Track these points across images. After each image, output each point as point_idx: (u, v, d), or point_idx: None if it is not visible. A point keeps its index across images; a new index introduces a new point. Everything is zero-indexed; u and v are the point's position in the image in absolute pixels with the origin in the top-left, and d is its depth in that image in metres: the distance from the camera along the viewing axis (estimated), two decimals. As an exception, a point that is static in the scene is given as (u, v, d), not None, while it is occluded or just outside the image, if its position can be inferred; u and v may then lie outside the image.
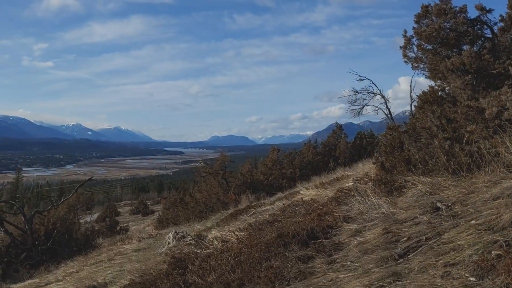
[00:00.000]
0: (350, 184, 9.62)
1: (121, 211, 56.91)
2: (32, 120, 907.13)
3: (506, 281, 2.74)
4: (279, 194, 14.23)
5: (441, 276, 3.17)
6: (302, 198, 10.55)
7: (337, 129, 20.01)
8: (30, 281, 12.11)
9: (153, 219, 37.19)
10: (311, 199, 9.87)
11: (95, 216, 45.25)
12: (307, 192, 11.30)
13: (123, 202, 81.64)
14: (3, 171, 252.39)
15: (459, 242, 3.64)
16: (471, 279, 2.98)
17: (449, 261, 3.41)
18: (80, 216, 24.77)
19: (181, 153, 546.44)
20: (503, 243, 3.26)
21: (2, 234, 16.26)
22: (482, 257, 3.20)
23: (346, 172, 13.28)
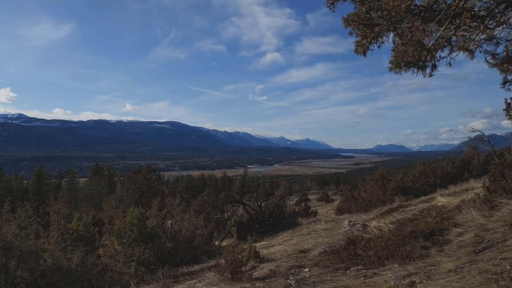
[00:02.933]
0: (471, 196, 9.71)
1: (310, 198, 59.15)
2: (253, 134, 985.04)
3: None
4: (422, 198, 13.95)
5: (494, 265, 4.13)
6: (436, 204, 10.63)
7: (472, 149, 18.91)
8: (262, 242, 12.98)
9: (333, 206, 38.31)
10: (442, 205, 10.09)
11: (294, 200, 48.35)
12: (441, 199, 11.33)
13: (312, 191, 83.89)
14: (236, 167, 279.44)
15: (514, 247, 4.46)
16: (508, 267, 3.92)
17: (503, 257, 4.31)
18: (286, 201, 27.21)
19: (353, 157, 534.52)
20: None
21: (244, 213, 19.23)
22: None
23: (474, 184, 12.81)
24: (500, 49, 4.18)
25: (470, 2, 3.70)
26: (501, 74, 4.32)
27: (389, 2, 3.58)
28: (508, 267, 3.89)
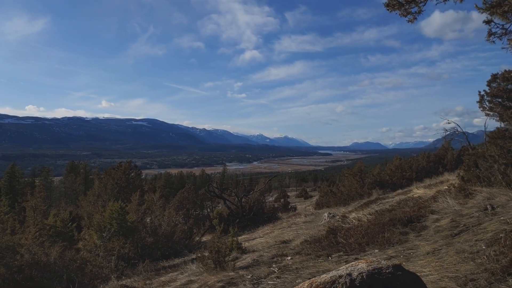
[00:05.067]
0: (446, 187, 10.04)
1: (289, 194, 59.55)
2: (232, 132, 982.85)
3: (499, 248, 3.86)
4: (399, 191, 14.25)
5: (470, 245, 4.31)
6: (413, 195, 10.89)
7: (446, 144, 19.53)
8: (243, 236, 12.92)
9: (312, 202, 38.74)
10: (419, 196, 10.40)
11: (273, 197, 48.65)
12: (417, 191, 11.67)
13: (290, 188, 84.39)
14: (214, 165, 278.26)
15: (488, 229, 4.66)
16: (483, 246, 4.10)
17: (479, 238, 4.50)
18: (265, 197, 27.36)
19: (330, 154, 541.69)
20: (508, 231, 4.27)
21: (224, 208, 19.21)
22: (494, 237, 4.27)
23: (448, 177, 13.18)
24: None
25: None
26: (487, 20, 4.45)
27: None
28: (484, 247, 4.07)
